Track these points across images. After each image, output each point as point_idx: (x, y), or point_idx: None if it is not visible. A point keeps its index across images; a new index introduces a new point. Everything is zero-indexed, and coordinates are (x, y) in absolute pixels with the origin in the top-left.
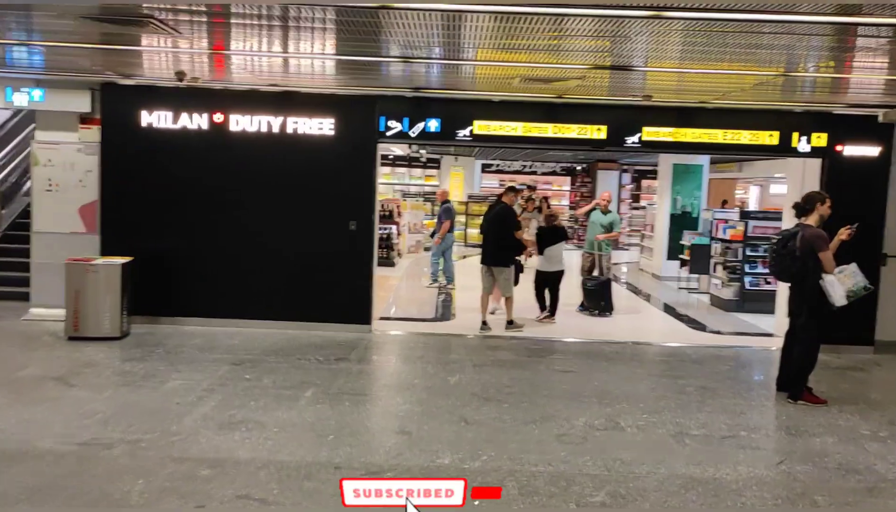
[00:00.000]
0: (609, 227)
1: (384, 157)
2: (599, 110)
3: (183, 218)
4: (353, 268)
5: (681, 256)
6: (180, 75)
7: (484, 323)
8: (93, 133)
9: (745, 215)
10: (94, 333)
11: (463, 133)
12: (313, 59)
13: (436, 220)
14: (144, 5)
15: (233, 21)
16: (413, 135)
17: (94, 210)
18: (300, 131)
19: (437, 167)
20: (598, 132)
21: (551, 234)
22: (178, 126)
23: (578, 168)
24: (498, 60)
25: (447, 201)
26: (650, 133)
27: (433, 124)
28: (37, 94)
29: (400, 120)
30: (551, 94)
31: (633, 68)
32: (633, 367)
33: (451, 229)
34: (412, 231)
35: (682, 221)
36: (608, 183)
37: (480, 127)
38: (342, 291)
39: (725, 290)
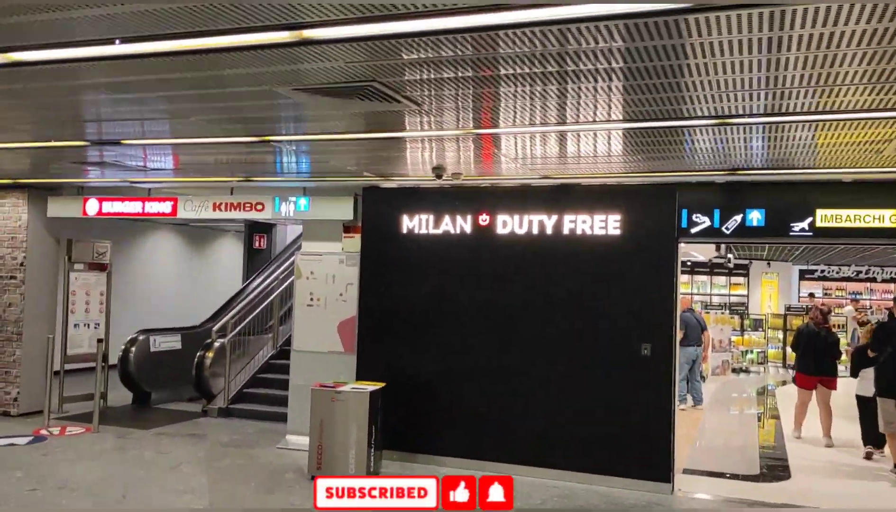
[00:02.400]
0: None
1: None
2: None
3: (442, 338)
4: (645, 405)
5: None
6: (438, 171)
7: None
8: (355, 242)
9: None
10: (338, 470)
11: (799, 227)
12: (595, 133)
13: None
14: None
15: (484, 77)
16: (727, 231)
17: (353, 327)
18: (578, 231)
19: (745, 274)
20: None
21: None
22: (440, 230)
23: None
24: (864, 110)
25: (688, 309)
26: None
27: (755, 217)
28: (303, 202)
29: (708, 212)
30: None
31: None
32: None
33: (691, 343)
34: (717, 349)
35: None
36: None
37: (825, 218)
38: (631, 436)
39: None
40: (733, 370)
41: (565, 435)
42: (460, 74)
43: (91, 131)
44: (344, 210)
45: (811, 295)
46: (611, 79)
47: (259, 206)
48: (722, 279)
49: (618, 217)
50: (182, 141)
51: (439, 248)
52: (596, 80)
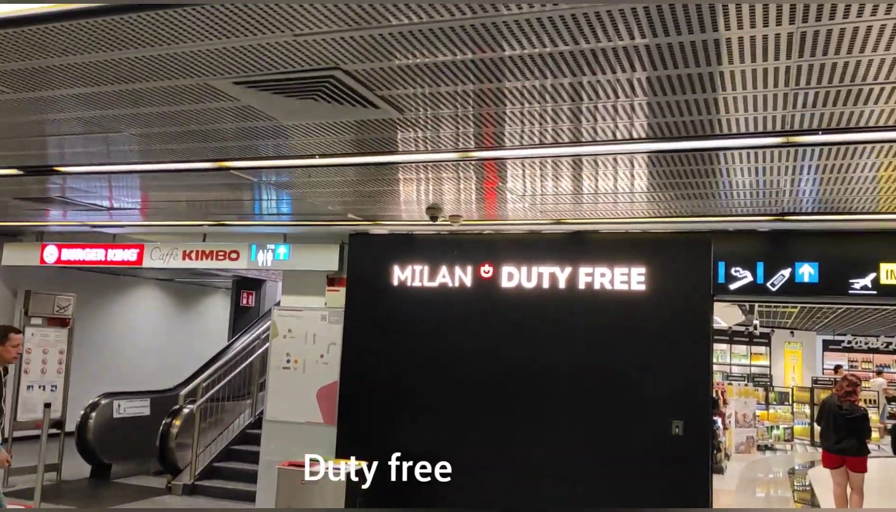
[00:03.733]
0: None
1: None
2: None
3: (433, 413)
4: (677, 492)
5: None
6: (434, 212)
7: None
8: (339, 297)
9: None
10: None
11: (861, 284)
12: (616, 159)
13: None
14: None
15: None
16: (772, 288)
17: (334, 394)
18: (596, 287)
19: (767, 344)
20: None
21: None
22: (436, 283)
23: None
24: None
25: None
26: None
27: (807, 271)
28: (282, 251)
29: (750, 266)
30: None
31: None
32: None
33: None
34: (740, 425)
35: None
36: None
37: (891, 273)
38: None
39: None
40: (758, 448)
41: None
42: (458, 73)
43: (23, 153)
44: (328, 259)
45: (837, 367)
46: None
47: (234, 255)
48: (742, 348)
49: (642, 270)
50: (120, 168)
51: (435, 303)
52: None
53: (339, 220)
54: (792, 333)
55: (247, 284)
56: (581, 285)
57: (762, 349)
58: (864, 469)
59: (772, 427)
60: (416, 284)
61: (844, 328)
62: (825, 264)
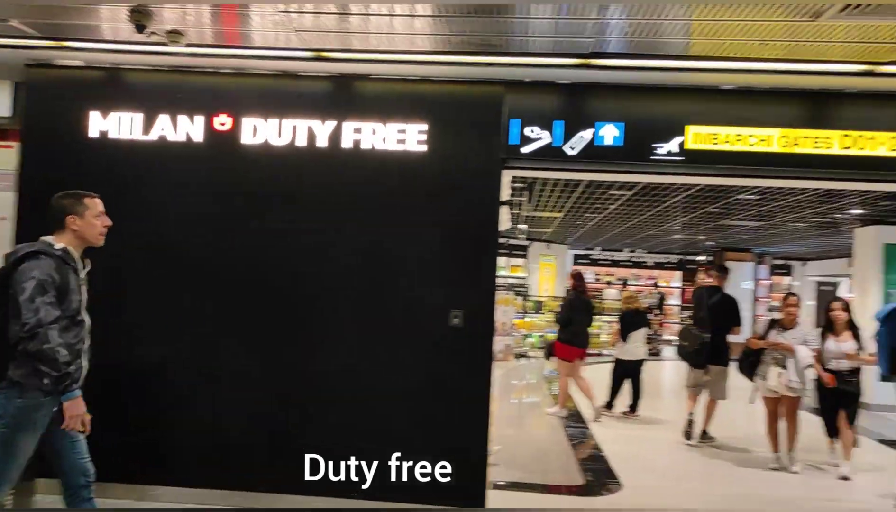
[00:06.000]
0: None
1: None
2: None
3: (150, 310)
4: (453, 400)
5: None
6: (140, 18)
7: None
8: (10, 155)
9: None
10: None
11: (666, 148)
12: None
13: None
14: None
15: None
16: (571, 152)
17: None
18: (365, 147)
19: (524, 256)
20: None
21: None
22: (153, 137)
23: (702, 259)
24: None
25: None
26: None
27: (610, 133)
28: None
29: (547, 124)
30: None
31: None
32: None
33: None
34: (498, 333)
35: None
36: (739, 277)
37: (698, 137)
38: (435, 442)
39: None
40: (516, 356)
41: (330, 441)
42: None
43: None
44: None
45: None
46: None
47: None
48: (502, 260)
49: (422, 128)
50: None
51: (151, 163)
52: None
53: (10, 37)
54: (548, 245)
55: None
56: (347, 144)
57: (520, 261)
58: (566, 357)
59: (527, 335)
60: (125, 136)
61: (593, 242)
62: (630, 126)
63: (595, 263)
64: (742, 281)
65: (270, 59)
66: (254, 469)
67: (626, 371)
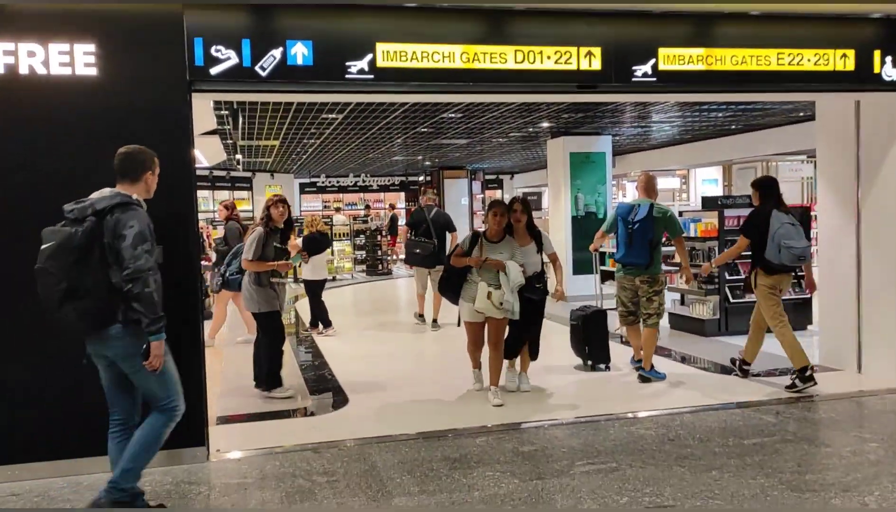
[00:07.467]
0: None
1: None
2: (588, 22)
3: None
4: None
5: (602, 269)
6: None
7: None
8: None
9: (712, 203)
10: None
11: (357, 66)
12: None
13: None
14: None
15: None
16: (263, 72)
17: None
18: (23, 71)
19: (249, 188)
20: (590, 59)
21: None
22: None
23: (421, 179)
24: None
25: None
26: (670, 57)
27: (300, 51)
28: None
29: (234, 44)
30: None
31: None
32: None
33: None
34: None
35: (585, 225)
36: (456, 193)
37: (387, 55)
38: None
39: (698, 306)
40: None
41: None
42: None
43: None
44: None
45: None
46: None
47: None
48: (225, 193)
49: (91, 48)
50: None
51: None
52: None
53: None
54: (272, 175)
55: None
56: None
57: (245, 194)
58: None
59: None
60: None
61: (318, 169)
62: (320, 44)
63: (323, 190)
64: (460, 197)
65: None
66: None
67: (313, 290)
